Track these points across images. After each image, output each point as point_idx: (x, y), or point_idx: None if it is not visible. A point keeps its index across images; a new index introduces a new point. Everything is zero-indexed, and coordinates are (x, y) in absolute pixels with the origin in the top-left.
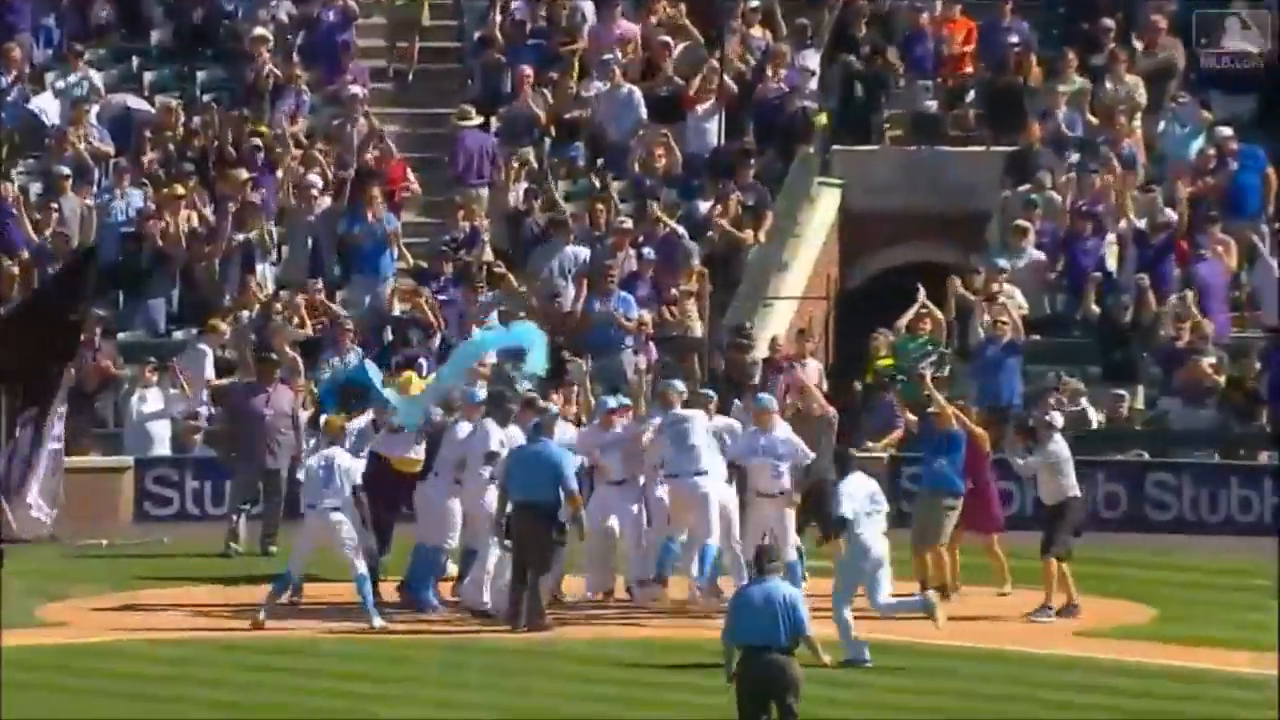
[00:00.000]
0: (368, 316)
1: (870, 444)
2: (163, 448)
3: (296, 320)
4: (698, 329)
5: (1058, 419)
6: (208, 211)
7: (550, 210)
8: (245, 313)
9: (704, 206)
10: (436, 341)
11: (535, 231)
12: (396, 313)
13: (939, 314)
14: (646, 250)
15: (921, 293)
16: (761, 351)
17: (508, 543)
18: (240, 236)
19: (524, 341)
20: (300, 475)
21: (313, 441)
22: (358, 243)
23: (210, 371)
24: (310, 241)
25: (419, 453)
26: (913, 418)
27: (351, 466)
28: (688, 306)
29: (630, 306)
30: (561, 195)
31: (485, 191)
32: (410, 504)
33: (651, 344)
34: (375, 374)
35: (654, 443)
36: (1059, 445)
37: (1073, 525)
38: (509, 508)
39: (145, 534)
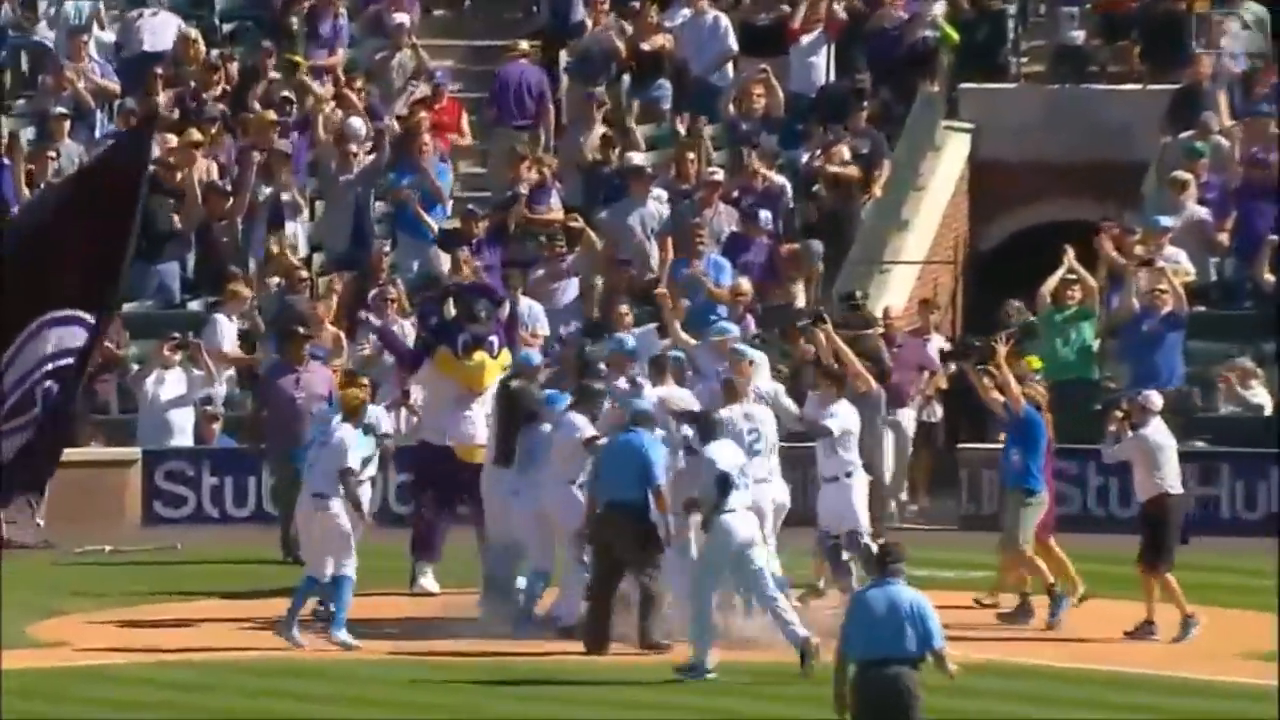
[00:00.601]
0: (417, 284)
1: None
2: (184, 439)
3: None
4: (800, 298)
5: (1155, 400)
6: (228, 161)
7: (629, 160)
8: (274, 279)
9: (809, 155)
10: (505, 312)
11: (612, 184)
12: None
13: (1090, 280)
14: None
15: (1070, 255)
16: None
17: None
18: (267, 190)
19: None
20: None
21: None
22: (405, 199)
23: (232, 346)
24: (350, 197)
25: (481, 436)
26: (998, 398)
27: (344, 444)
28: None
29: (723, 271)
30: (643, 143)
31: (542, 135)
32: (470, 500)
33: (750, 316)
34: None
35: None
36: (1156, 431)
37: (1176, 529)
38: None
39: (155, 539)
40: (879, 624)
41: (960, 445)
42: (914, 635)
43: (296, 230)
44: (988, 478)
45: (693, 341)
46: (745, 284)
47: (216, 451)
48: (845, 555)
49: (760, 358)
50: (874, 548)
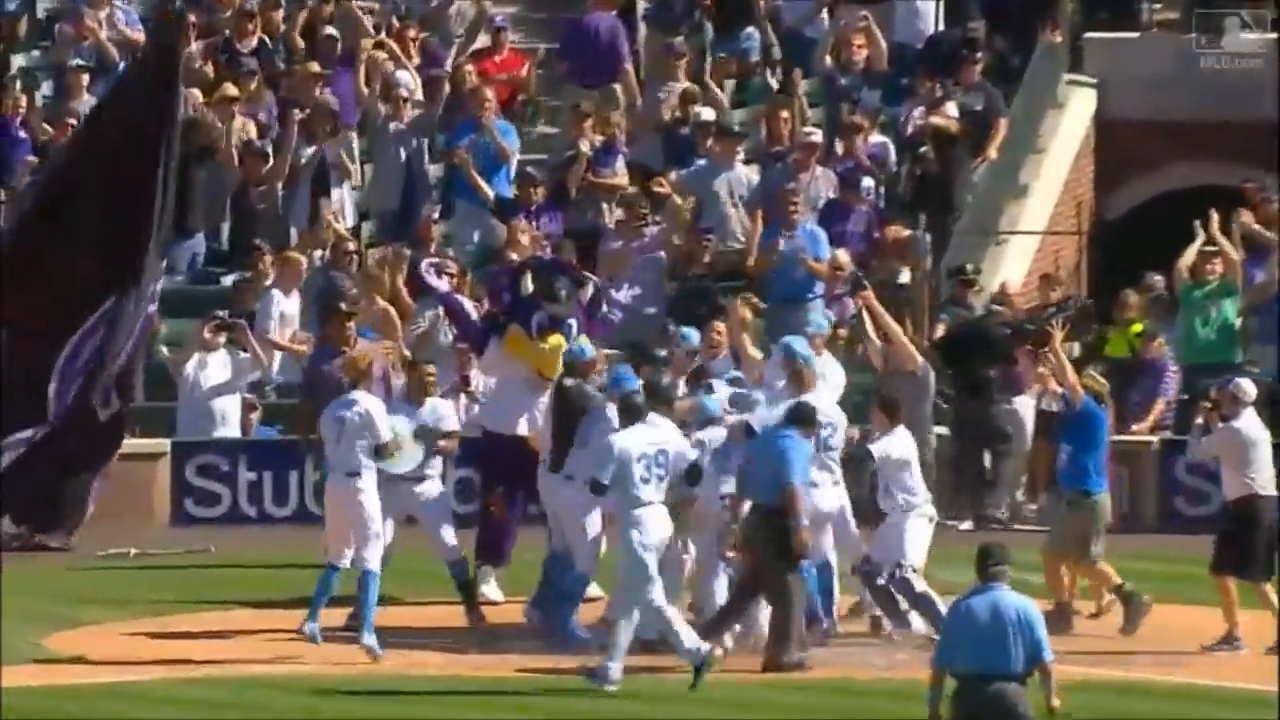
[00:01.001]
0: (478, 258)
1: (1135, 427)
2: (230, 430)
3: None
4: (905, 274)
5: (1248, 389)
6: (267, 119)
7: (713, 118)
8: (318, 252)
9: (917, 113)
10: (589, 293)
11: (693, 145)
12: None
13: (1232, 251)
14: (843, 168)
15: (1211, 223)
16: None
17: (731, 555)
18: (309, 151)
19: None
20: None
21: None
22: (461, 161)
23: (277, 327)
24: (402, 158)
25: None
26: (1056, 389)
27: (371, 414)
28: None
29: (819, 243)
30: (729, 99)
31: (618, 92)
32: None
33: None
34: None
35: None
36: (1248, 424)
37: (1268, 534)
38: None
39: (185, 541)
40: (981, 635)
41: None
42: (1020, 648)
43: (343, 196)
44: (1118, 475)
45: (759, 356)
46: (844, 257)
47: (254, 444)
48: (880, 581)
49: (834, 368)
50: (915, 583)
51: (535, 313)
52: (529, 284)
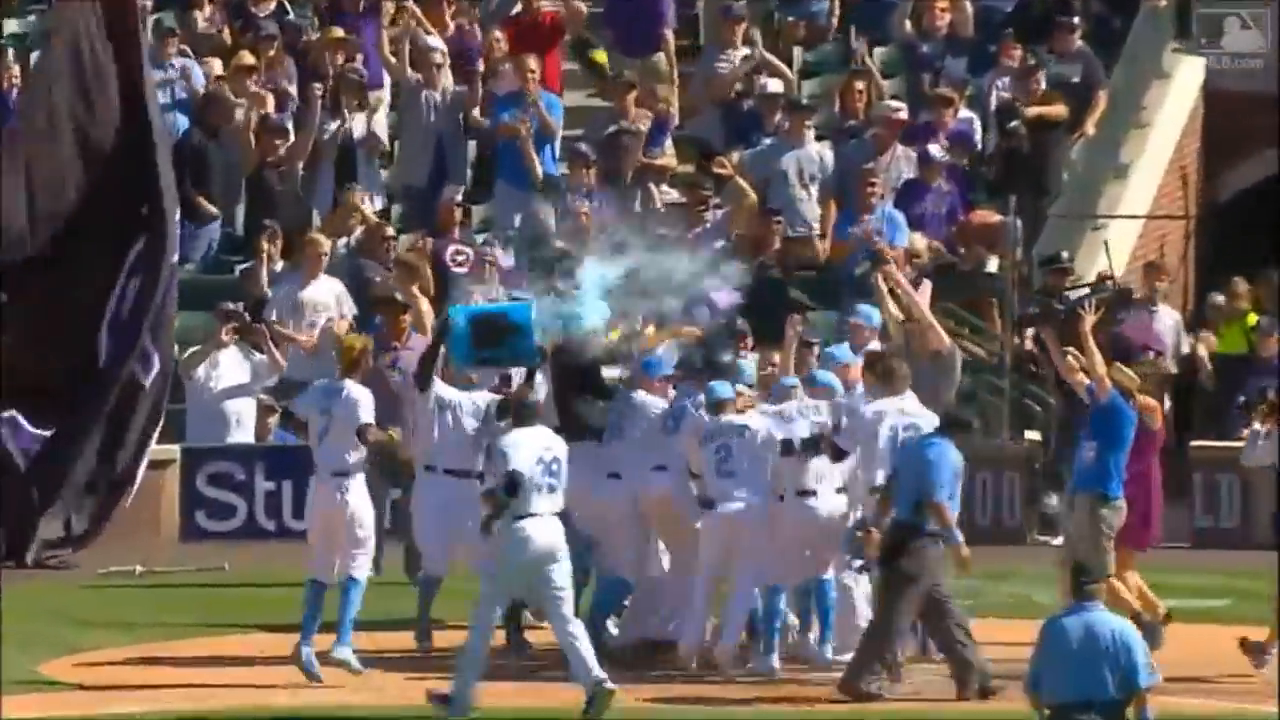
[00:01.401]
0: (523, 243)
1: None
2: (244, 435)
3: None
4: (992, 262)
5: None
6: (290, 89)
7: (780, 90)
8: (344, 239)
9: (1004, 84)
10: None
11: (757, 121)
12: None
13: None
14: (933, 148)
15: None
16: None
17: (856, 563)
18: (334, 126)
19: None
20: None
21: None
22: (510, 133)
23: (290, 318)
24: (434, 133)
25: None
26: (1082, 379)
27: (357, 401)
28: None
29: (898, 228)
30: (797, 70)
31: (660, 62)
32: None
33: (926, 282)
34: (543, 320)
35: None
36: None
37: None
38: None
39: (196, 557)
40: (1074, 659)
41: (1194, 444)
42: (1117, 672)
43: (371, 175)
44: (1227, 484)
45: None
46: (921, 243)
47: (272, 450)
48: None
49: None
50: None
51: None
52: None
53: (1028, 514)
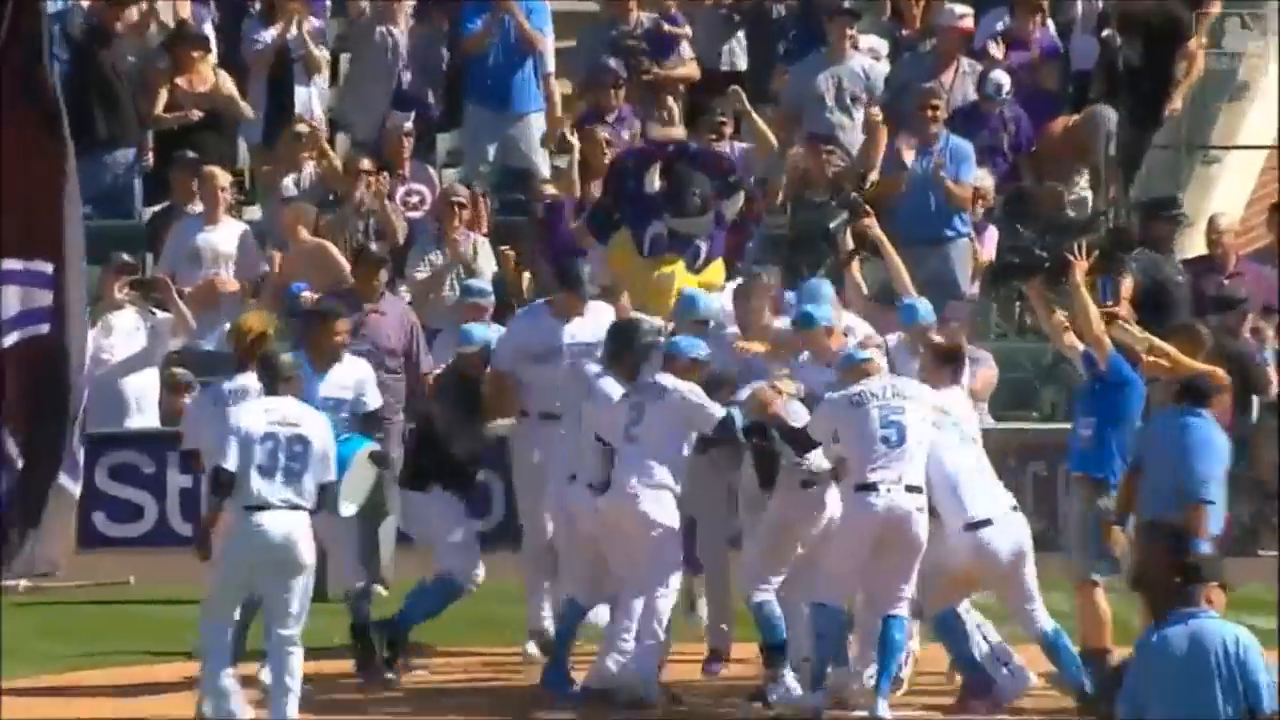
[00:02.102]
0: (499, 179)
1: None
2: (148, 418)
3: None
4: (1086, 203)
5: None
6: None
7: None
8: (291, 176)
9: None
10: (737, 205)
11: (793, 31)
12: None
13: None
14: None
15: None
16: (1197, 241)
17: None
18: (268, 38)
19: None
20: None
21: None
22: (477, 49)
23: (189, 268)
24: (388, 49)
25: None
26: (1074, 343)
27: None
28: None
29: (965, 161)
30: None
31: None
32: None
33: (993, 231)
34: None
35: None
36: None
37: None
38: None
39: (96, 570)
40: (1178, 674)
41: None
42: (1230, 691)
43: (311, 99)
44: None
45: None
46: (988, 181)
47: None
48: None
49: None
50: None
51: (652, 222)
52: (654, 179)
53: None
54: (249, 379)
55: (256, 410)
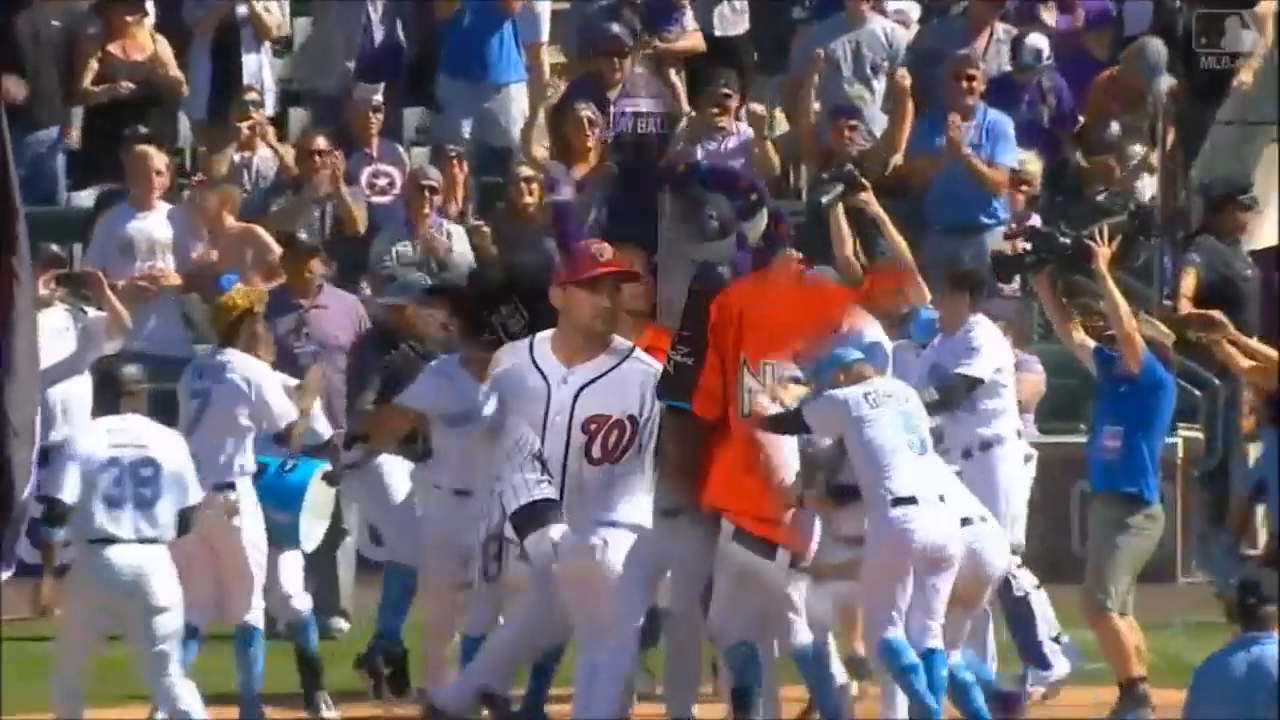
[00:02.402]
0: (479, 160)
1: None
2: (76, 429)
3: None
4: (1147, 188)
5: None
6: None
7: None
8: (237, 155)
9: None
10: (760, 223)
11: None
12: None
13: None
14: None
15: None
16: (1269, 231)
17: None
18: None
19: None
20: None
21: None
22: (448, 13)
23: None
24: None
25: None
26: (1086, 343)
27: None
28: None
29: (1002, 140)
30: None
31: None
32: None
33: (1035, 218)
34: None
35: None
36: None
37: None
38: None
39: (19, 605)
40: (1239, 702)
41: None
42: None
43: (262, 67)
44: None
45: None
46: (1033, 163)
47: None
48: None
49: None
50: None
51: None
52: (665, 206)
53: (1183, 540)
54: (237, 356)
55: (98, 431)
